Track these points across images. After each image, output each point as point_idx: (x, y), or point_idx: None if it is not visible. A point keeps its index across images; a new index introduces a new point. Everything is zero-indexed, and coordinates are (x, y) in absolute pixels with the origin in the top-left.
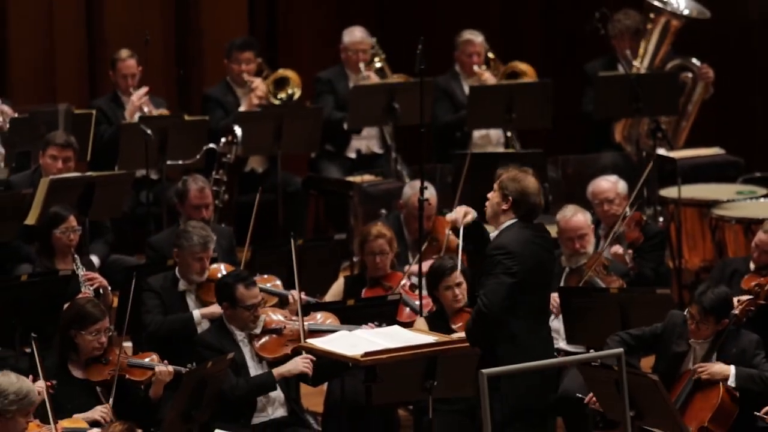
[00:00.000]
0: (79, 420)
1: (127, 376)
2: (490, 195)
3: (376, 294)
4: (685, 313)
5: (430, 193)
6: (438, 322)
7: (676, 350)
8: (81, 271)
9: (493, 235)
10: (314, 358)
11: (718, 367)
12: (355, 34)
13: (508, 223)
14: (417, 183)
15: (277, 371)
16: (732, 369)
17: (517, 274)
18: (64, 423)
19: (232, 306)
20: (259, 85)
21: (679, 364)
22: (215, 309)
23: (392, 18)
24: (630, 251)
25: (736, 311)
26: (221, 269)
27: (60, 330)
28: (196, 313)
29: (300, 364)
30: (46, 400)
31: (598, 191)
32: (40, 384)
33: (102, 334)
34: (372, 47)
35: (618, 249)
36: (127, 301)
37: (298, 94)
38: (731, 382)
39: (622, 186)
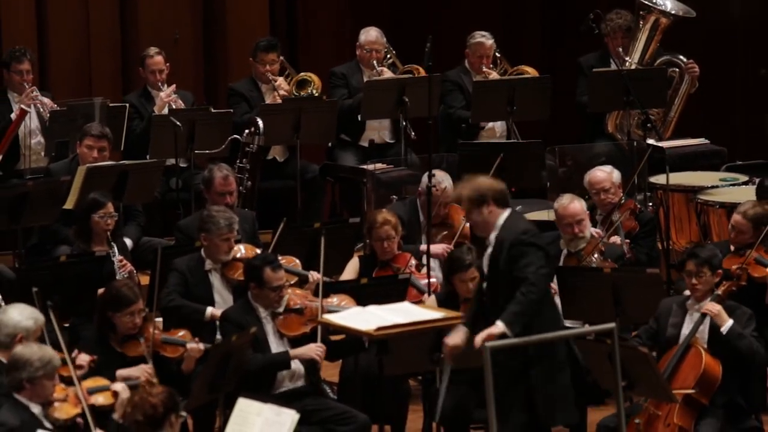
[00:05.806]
0: (99, 379)
1: (160, 352)
2: (466, 220)
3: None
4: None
5: (448, 183)
6: (449, 305)
7: (668, 336)
8: (116, 258)
9: (492, 237)
10: (325, 348)
11: (722, 312)
12: (371, 34)
13: (503, 217)
14: (439, 172)
15: (292, 352)
16: (730, 321)
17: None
18: (87, 383)
19: (259, 286)
20: (282, 83)
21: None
22: (216, 312)
23: (403, 16)
24: (627, 241)
25: (720, 291)
26: (240, 249)
27: (98, 311)
28: (208, 310)
29: (313, 350)
30: (69, 365)
31: (595, 181)
32: (84, 357)
33: (136, 316)
34: (385, 47)
35: (616, 240)
36: (157, 279)
37: (317, 94)
38: (723, 330)
39: (616, 175)
